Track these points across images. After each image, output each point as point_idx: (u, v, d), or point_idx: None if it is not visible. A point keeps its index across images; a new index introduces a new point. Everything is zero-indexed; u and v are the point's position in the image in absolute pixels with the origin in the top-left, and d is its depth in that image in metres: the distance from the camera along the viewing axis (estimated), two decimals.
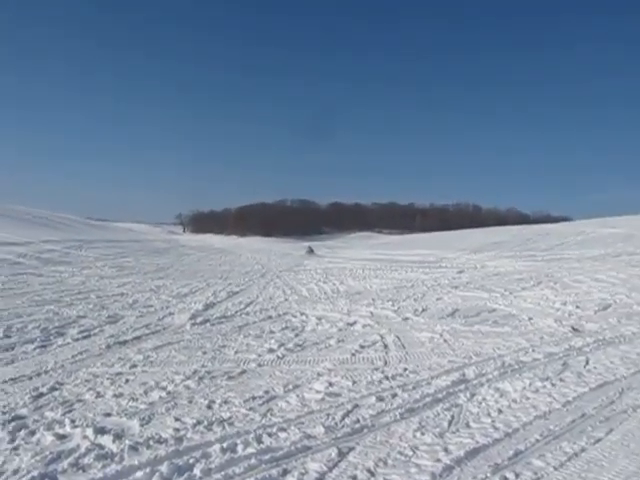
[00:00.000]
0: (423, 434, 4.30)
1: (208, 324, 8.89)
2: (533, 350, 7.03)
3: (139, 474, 3.57)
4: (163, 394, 5.27)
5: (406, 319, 9.49)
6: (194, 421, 4.52)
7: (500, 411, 4.82)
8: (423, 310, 10.38)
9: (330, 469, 3.71)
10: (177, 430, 4.34)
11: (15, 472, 3.63)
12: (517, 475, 3.60)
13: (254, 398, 5.14)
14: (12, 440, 4.13)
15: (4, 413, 4.69)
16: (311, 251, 38.54)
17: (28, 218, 41.38)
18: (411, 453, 3.97)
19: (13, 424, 4.42)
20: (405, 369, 6.21)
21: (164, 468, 3.62)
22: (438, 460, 3.83)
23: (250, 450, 3.96)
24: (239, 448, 3.99)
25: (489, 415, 4.73)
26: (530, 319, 9.26)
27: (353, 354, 6.92)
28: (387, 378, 5.83)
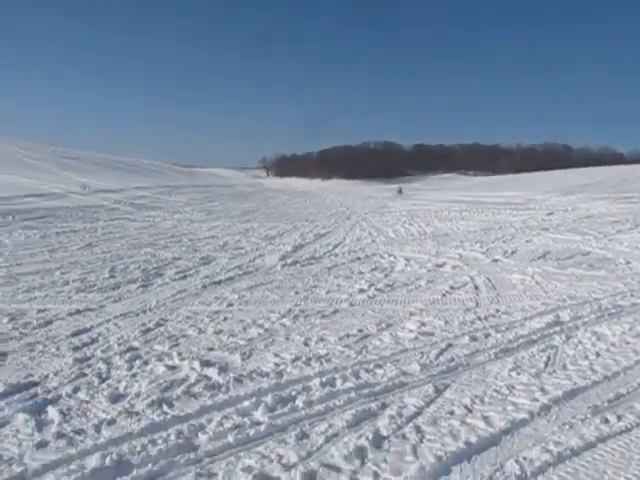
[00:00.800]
0: (519, 374, 4.31)
1: (298, 265, 9.12)
2: (632, 295, 6.77)
3: (246, 403, 3.80)
4: (261, 331, 5.52)
5: (495, 261, 9.34)
6: (292, 357, 4.73)
7: (598, 354, 4.73)
8: (513, 252, 10.16)
9: (427, 404, 3.80)
10: (277, 365, 4.56)
11: (137, 395, 3.99)
12: (619, 417, 3.55)
13: (348, 336, 5.29)
14: (130, 368, 4.51)
15: (119, 345, 5.10)
16: (400, 191, 38.28)
17: (120, 166, 43.29)
18: (507, 392, 3.99)
19: (128, 354, 4.81)
20: (497, 310, 6.16)
21: (268, 399, 3.83)
22: (535, 399, 3.83)
23: (348, 384, 4.11)
24: (338, 382, 4.15)
25: (586, 358, 4.65)
26: (628, 263, 8.87)
27: (444, 295, 6.93)
28: (479, 319, 5.82)
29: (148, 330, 5.59)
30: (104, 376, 4.35)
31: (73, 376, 4.35)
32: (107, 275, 8.32)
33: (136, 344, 5.13)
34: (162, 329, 5.65)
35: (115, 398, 3.93)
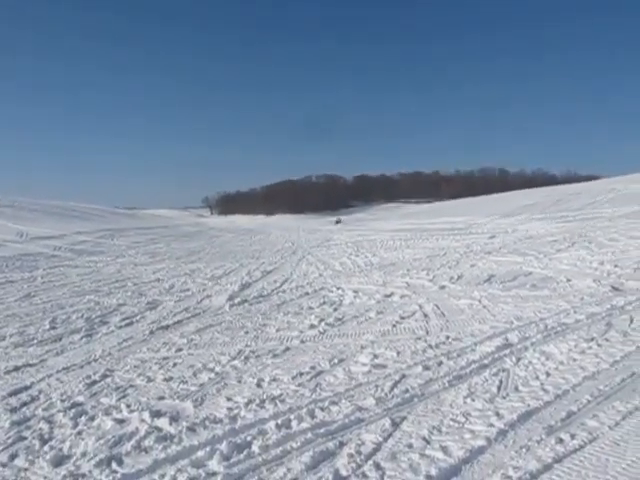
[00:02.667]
0: (473, 400, 4.33)
1: (246, 304, 8.99)
2: (575, 311, 6.97)
3: (200, 453, 3.66)
4: (212, 375, 5.37)
5: (442, 287, 9.47)
6: (246, 400, 4.61)
7: (548, 374, 4.81)
8: (458, 277, 10.34)
9: (385, 439, 3.76)
10: (230, 409, 4.43)
11: (83, 455, 3.77)
12: (572, 436, 3.60)
13: (301, 374, 5.20)
14: (75, 425, 4.28)
15: (63, 401, 4.84)
16: (338, 222, 38.78)
17: (58, 211, 41.98)
18: (463, 419, 4.00)
19: (73, 411, 4.56)
20: (447, 337, 6.21)
21: (223, 447, 3.71)
22: (491, 425, 3.85)
23: (304, 425, 4.03)
24: (293, 424, 4.06)
25: (537, 378, 4.72)
26: (568, 280, 9.16)
27: (394, 325, 6.94)
28: (431, 347, 5.85)
29: (94, 383, 5.35)
30: (46, 437, 4.10)
31: (10, 441, 4.06)
32: (48, 327, 7.97)
33: (81, 399, 4.89)
34: (109, 380, 5.42)
35: (59, 461, 3.70)
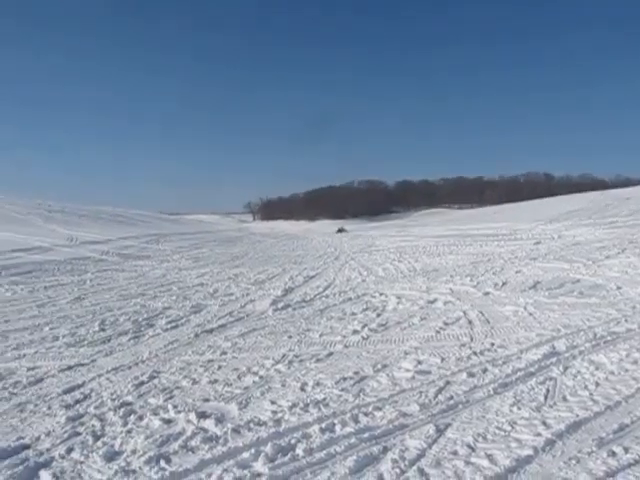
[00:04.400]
0: (519, 409, 4.26)
1: (290, 309, 9.06)
2: (626, 320, 6.79)
3: (245, 454, 3.72)
4: (256, 378, 5.44)
5: (487, 294, 9.34)
6: (290, 403, 4.65)
7: (597, 384, 4.70)
8: (503, 284, 10.18)
9: (430, 445, 3.74)
10: (274, 412, 4.48)
11: (133, 452, 3.90)
12: (626, 449, 3.50)
13: (345, 379, 5.22)
14: (124, 424, 4.41)
15: (113, 400, 5.00)
16: (341, 230, 39.07)
17: (105, 217, 43.09)
18: (509, 428, 3.94)
19: (123, 410, 4.70)
20: (492, 344, 6.14)
21: (268, 449, 3.75)
22: (538, 434, 3.79)
23: (348, 429, 4.04)
24: (337, 428, 4.08)
25: (586, 388, 4.62)
26: (619, 288, 8.92)
27: (438, 331, 6.90)
28: (475, 354, 5.79)
29: (141, 383, 5.49)
30: (98, 434, 4.25)
31: (66, 436, 4.24)
32: (97, 328, 8.20)
33: (130, 398, 5.03)
34: (156, 381, 5.55)
35: (111, 456, 3.83)
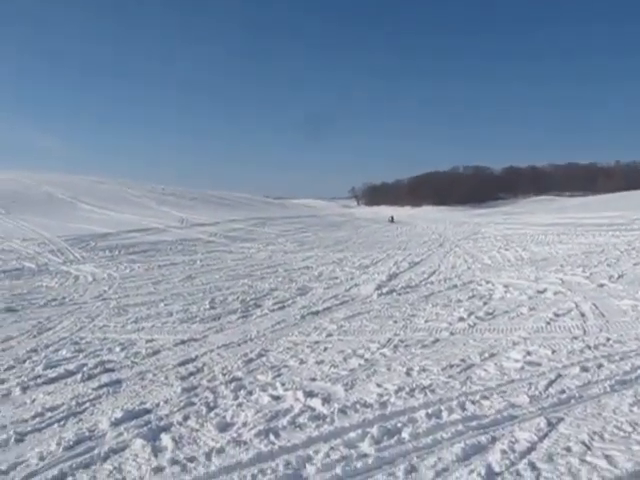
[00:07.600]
0: None
1: (394, 294, 9.03)
2: None
3: (352, 435, 3.76)
4: (361, 361, 5.48)
5: (601, 286, 8.82)
6: (395, 387, 4.65)
7: None
8: (620, 276, 9.56)
9: (541, 439, 3.60)
10: (380, 395, 4.49)
11: (244, 424, 4.07)
12: None
13: (451, 366, 5.15)
14: (235, 398, 4.62)
15: (224, 374, 5.24)
16: (392, 220, 38.29)
17: (213, 200, 44.88)
18: (630, 429, 3.70)
19: (233, 384, 4.92)
20: (608, 339, 5.79)
21: (374, 430, 3.77)
22: None
23: (455, 416, 3.98)
24: (444, 414, 4.03)
25: None
26: None
27: (548, 322, 6.62)
28: (589, 348, 5.49)
29: (250, 360, 5.70)
30: (211, 405, 4.47)
31: (182, 404, 4.50)
32: (208, 306, 8.60)
33: (240, 374, 5.24)
34: (264, 359, 5.74)
35: (223, 427, 4.02)
